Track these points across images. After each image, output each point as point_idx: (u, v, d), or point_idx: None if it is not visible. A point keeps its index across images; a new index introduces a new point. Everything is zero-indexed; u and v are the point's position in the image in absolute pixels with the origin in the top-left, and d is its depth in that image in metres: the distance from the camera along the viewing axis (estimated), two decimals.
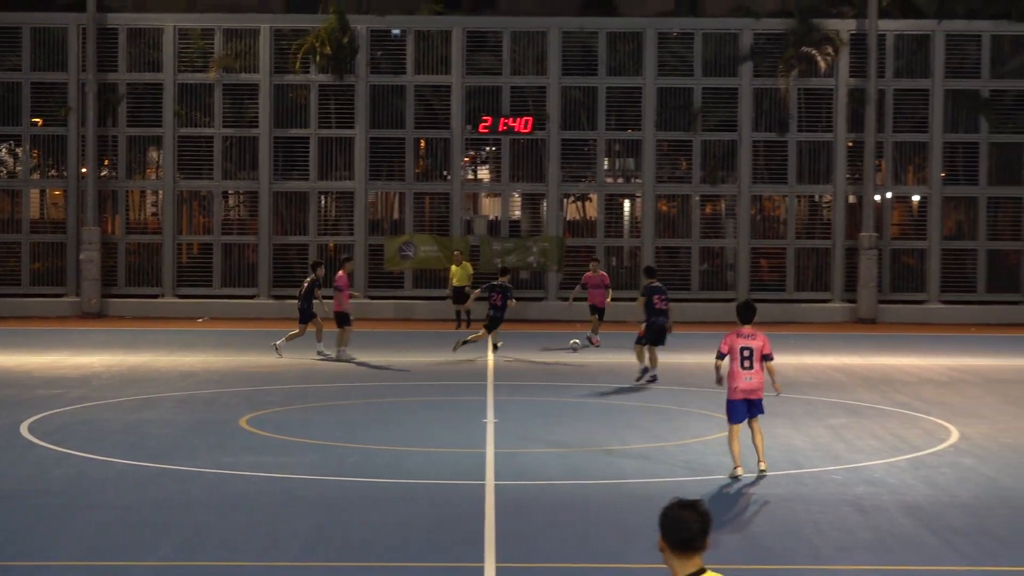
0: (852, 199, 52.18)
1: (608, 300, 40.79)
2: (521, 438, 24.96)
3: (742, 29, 52.14)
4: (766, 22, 52.50)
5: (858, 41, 51.46)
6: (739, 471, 21.04)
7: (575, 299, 42.17)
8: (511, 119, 51.42)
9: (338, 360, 36.84)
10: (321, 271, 39.51)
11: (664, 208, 53.40)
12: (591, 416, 28.06)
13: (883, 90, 51.44)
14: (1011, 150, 51.77)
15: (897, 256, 52.51)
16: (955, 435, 25.72)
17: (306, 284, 37.74)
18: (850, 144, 51.92)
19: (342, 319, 37.20)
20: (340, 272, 38.40)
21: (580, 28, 52.90)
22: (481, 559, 16.39)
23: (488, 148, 53.92)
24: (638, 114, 51.93)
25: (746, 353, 21.06)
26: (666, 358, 33.72)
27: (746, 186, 51.80)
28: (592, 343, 40.36)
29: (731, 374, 21.19)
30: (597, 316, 40.71)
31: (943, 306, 51.29)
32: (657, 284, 32.58)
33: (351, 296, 38.27)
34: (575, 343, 39.12)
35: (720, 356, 21.56)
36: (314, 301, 37.50)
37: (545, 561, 16.53)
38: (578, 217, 54.44)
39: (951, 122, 51.81)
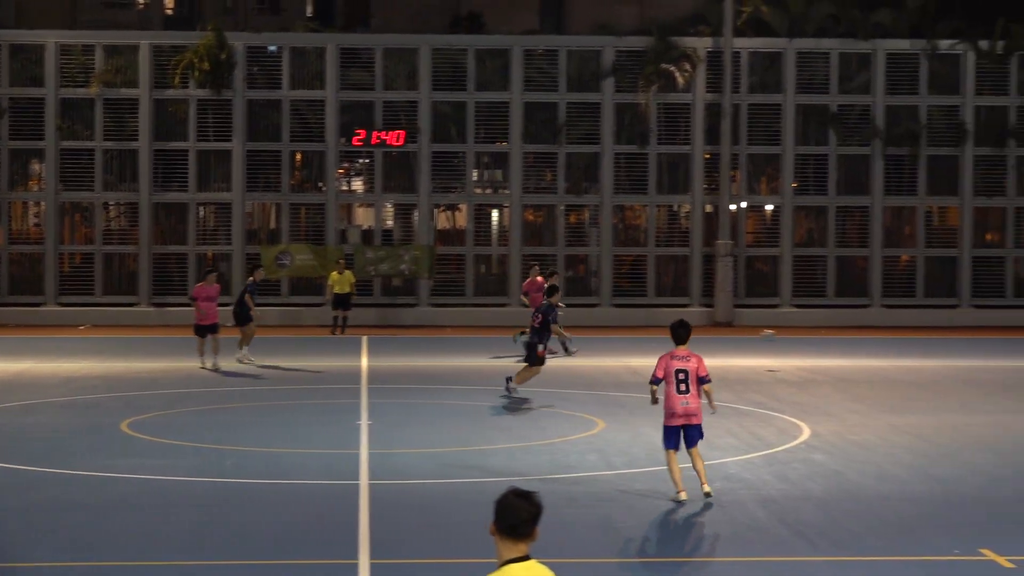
0: (709, 208, 52.53)
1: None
2: (394, 439, 24.92)
3: (604, 47, 52.35)
4: (627, 40, 52.74)
5: (714, 58, 51.86)
6: (682, 495, 19.19)
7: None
8: (383, 132, 51.24)
9: (213, 368, 36.21)
10: (259, 274, 39.02)
11: (530, 217, 53.51)
12: (462, 417, 28.06)
13: (738, 105, 51.85)
14: (858, 162, 52.39)
15: (751, 262, 53.01)
16: (807, 432, 26.01)
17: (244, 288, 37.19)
18: (707, 156, 52.29)
19: (200, 330, 36.25)
20: (199, 284, 37.60)
21: (449, 45, 52.90)
22: (356, 556, 16.37)
23: (361, 160, 53.70)
24: (505, 127, 51.98)
25: (681, 376, 19.31)
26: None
27: (608, 196, 52.01)
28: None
29: (667, 398, 19.42)
30: None
31: (795, 309, 51.81)
32: (546, 304, 31.19)
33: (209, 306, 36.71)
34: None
35: (655, 381, 19.63)
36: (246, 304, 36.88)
37: (417, 557, 16.52)
38: (448, 226, 54.40)
39: (802, 135, 52.36)
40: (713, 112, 51.66)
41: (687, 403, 19.29)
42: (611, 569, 16.47)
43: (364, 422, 26.74)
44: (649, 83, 51.52)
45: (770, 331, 37.02)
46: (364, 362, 38.16)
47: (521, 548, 8.37)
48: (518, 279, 50.76)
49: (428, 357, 39.81)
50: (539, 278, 40.76)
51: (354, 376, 34.90)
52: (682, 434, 19.42)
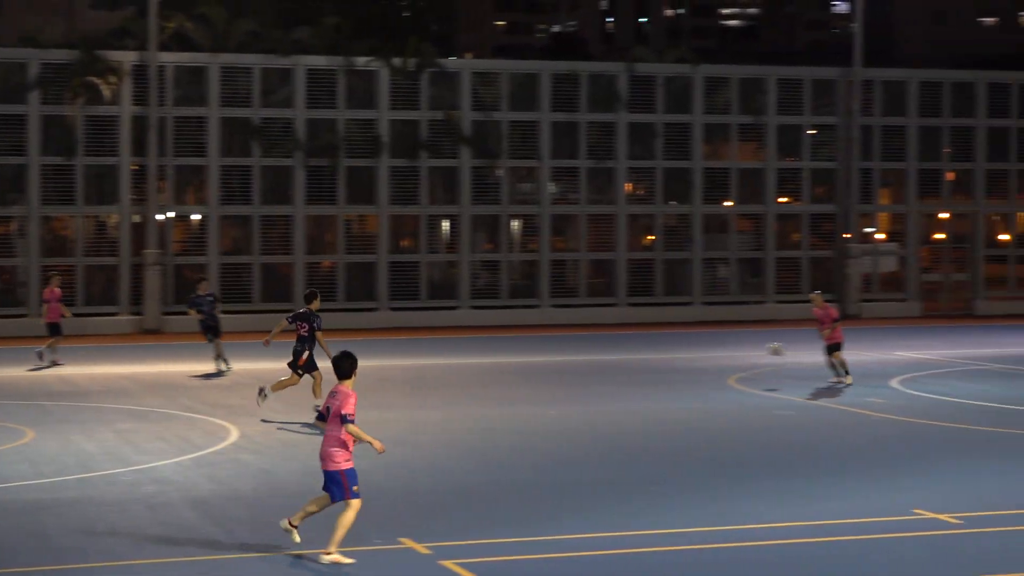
0: (137, 218, 51.86)
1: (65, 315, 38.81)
2: None
3: (29, 59, 50.89)
4: (53, 53, 51.43)
5: (140, 72, 51.22)
6: (295, 537, 16.71)
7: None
8: None
9: None
10: None
11: None
12: None
13: (164, 117, 51.42)
14: (281, 172, 52.80)
15: (180, 270, 52.60)
16: (235, 434, 26.14)
17: None
18: (134, 167, 51.62)
19: None
20: None
21: None
22: None
23: None
24: None
25: (323, 414, 16.66)
26: None
27: (36, 207, 50.61)
28: (45, 359, 37.89)
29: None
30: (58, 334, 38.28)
31: (224, 316, 51.68)
32: (307, 310, 29.05)
33: None
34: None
35: (319, 417, 16.75)
36: None
37: None
38: None
39: (226, 147, 52.40)
40: (140, 124, 51.08)
41: (322, 445, 16.67)
42: None
43: None
44: (75, 96, 50.50)
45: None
46: None
47: None
48: None
49: None
50: (57, 289, 38.99)
51: None
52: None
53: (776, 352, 34.59)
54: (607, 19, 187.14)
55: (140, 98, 51.19)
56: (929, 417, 28.15)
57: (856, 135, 57.22)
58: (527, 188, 56.00)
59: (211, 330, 37.64)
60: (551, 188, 55.81)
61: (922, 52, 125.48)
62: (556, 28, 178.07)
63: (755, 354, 41.17)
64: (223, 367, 36.95)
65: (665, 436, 26.39)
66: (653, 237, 56.69)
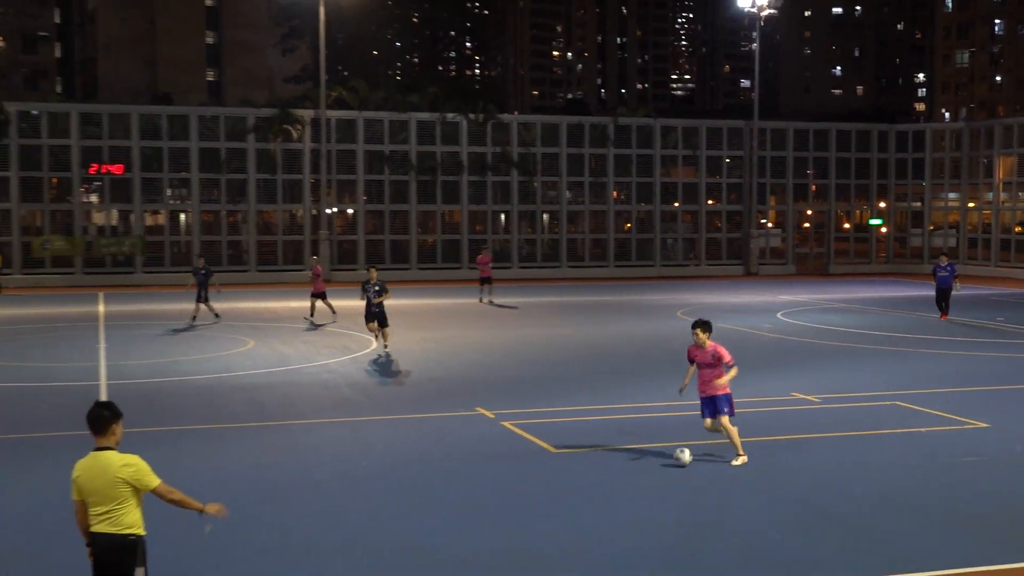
0: (314, 211, 51.97)
1: None
2: (123, 355, 23.84)
3: (248, 114, 50.96)
4: (263, 111, 51.42)
5: (315, 123, 51.24)
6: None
7: None
8: (110, 165, 48.32)
9: None
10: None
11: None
12: (183, 342, 26.99)
13: (330, 150, 51.43)
14: (401, 184, 52.68)
15: (341, 244, 52.67)
16: (374, 344, 26.20)
17: None
18: (312, 180, 51.71)
19: None
20: None
21: (153, 112, 50.39)
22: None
23: (96, 183, 50.48)
24: (187, 163, 49.90)
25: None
26: None
27: (253, 205, 50.64)
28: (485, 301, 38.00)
29: None
30: None
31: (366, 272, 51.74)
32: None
33: None
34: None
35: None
36: None
37: (138, 427, 15.86)
38: (151, 223, 51.82)
39: (368, 168, 52.35)
40: (315, 154, 51.12)
41: (709, 381, 13.99)
42: (256, 430, 16.28)
43: (102, 344, 25.46)
44: (276, 137, 50.54)
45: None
46: (101, 308, 36.12)
47: (101, 441, 7.38)
48: None
49: (152, 304, 38.00)
50: (487, 255, 38.61)
51: (94, 316, 32.99)
52: None
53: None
54: (601, 90, 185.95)
55: (315, 138, 51.20)
56: (801, 336, 28.01)
57: (755, 162, 56.73)
58: (552, 194, 55.75)
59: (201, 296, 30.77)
60: (567, 194, 55.55)
61: (796, 110, 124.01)
62: (569, 95, 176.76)
63: (693, 296, 40.91)
64: (214, 318, 31.03)
65: (634, 345, 26.34)
66: (630, 225, 56.41)
